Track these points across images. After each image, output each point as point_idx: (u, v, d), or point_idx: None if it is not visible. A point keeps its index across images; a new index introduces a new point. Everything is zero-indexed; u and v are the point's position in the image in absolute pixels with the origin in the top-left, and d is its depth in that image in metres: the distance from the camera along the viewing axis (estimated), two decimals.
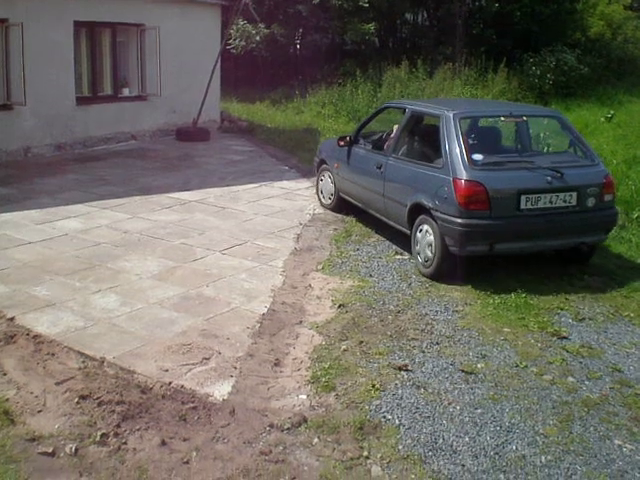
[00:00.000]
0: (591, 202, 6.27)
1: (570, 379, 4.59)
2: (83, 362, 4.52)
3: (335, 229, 7.86)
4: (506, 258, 6.61)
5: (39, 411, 3.95)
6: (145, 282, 6.02)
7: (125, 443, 3.72)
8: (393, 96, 16.49)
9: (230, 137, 14.36)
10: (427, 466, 3.63)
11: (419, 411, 4.13)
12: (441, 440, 3.86)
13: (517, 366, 4.73)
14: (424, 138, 7.12)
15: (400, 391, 4.35)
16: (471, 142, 6.61)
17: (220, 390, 4.29)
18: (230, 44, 18.82)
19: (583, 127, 13.18)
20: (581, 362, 4.84)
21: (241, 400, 4.19)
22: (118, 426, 3.84)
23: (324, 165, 8.75)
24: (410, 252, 6.75)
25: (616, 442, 3.90)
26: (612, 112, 14.78)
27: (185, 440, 3.79)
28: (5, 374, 4.33)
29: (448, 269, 6.22)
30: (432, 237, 6.26)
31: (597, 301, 5.93)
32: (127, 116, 13.17)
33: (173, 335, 5.01)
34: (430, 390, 4.38)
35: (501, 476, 3.58)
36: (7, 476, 3.38)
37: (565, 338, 5.20)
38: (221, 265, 6.50)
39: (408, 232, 6.74)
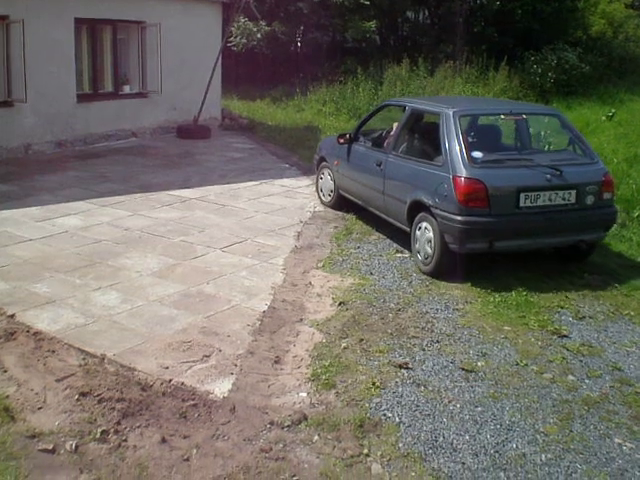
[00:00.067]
0: (590, 200, 6.28)
1: (570, 377, 4.60)
2: (83, 359, 4.52)
3: (336, 227, 7.86)
4: (505, 255, 6.61)
5: (39, 408, 3.95)
6: (145, 279, 6.03)
7: (125, 440, 3.72)
8: (394, 94, 16.48)
9: (231, 135, 14.35)
10: (427, 464, 3.64)
11: (419, 409, 4.14)
12: (441, 438, 3.86)
13: (517, 364, 4.73)
14: (424, 136, 7.12)
15: (400, 389, 4.35)
16: (471, 140, 6.63)
17: (220, 387, 4.30)
18: (231, 41, 18.80)
19: (584, 126, 13.17)
20: (581, 360, 4.84)
21: (241, 397, 4.19)
22: (118, 423, 3.84)
23: (324, 162, 8.74)
24: (410, 250, 6.75)
25: (616, 440, 3.90)
26: (613, 111, 14.76)
27: (185, 437, 3.79)
28: (5, 371, 4.33)
29: (448, 267, 6.22)
30: (432, 234, 6.26)
31: (597, 299, 5.93)
32: (128, 113, 13.15)
33: (173, 332, 5.01)
34: (430, 388, 4.38)
35: (501, 474, 3.58)
36: (7, 473, 3.38)
37: (565, 336, 5.20)
38: (221, 263, 6.50)
39: (408, 229, 6.74)
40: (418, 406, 4.17)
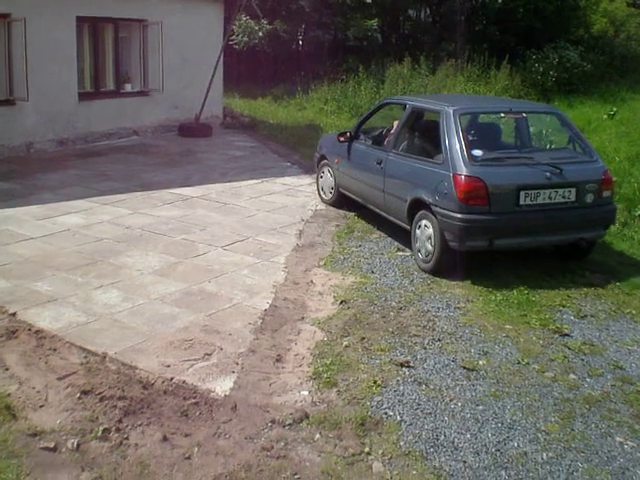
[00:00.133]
0: (590, 198, 6.29)
1: (572, 376, 4.59)
2: (85, 357, 4.52)
3: (337, 225, 7.86)
4: (505, 253, 6.62)
5: (41, 406, 3.96)
6: (147, 278, 6.03)
7: (127, 438, 3.72)
8: (396, 92, 16.48)
9: (232, 133, 14.35)
10: (428, 462, 3.64)
11: (420, 407, 4.14)
12: (442, 436, 3.86)
13: (519, 363, 4.73)
14: (424, 134, 7.12)
15: (402, 387, 4.35)
16: (471, 138, 6.64)
17: (222, 386, 4.30)
18: (233, 40, 18.81)
19: (586, 124, 13.16)
20: (583, 359, 4.84)
21: (243, 396, 4.20)
22: (120, 421, 3.85)
23: (324, 160, 8.75)
24: (412, 249, 6.74)
25: (617, 439, 3.90)
26: (615, 109, 14.73)
27: (187, 436, 3.79)
28: (7, 369, 4.33)
29: (448, 264, 6.22)
30: (432, 232, 6.27)
31: (599, 298, 5.93)
32: (129, 112, 13.15)
33: (175, 331, 5.01)
34: (432, 387, 4.38)
35: (502, 473, 3.58)
36: (9, 471, 3.39)
37: (567, 335, 5.20)
38: (223, 261, 6.51)
39: (408, 227, 6.74)
40: (419, 404, 4.17)
